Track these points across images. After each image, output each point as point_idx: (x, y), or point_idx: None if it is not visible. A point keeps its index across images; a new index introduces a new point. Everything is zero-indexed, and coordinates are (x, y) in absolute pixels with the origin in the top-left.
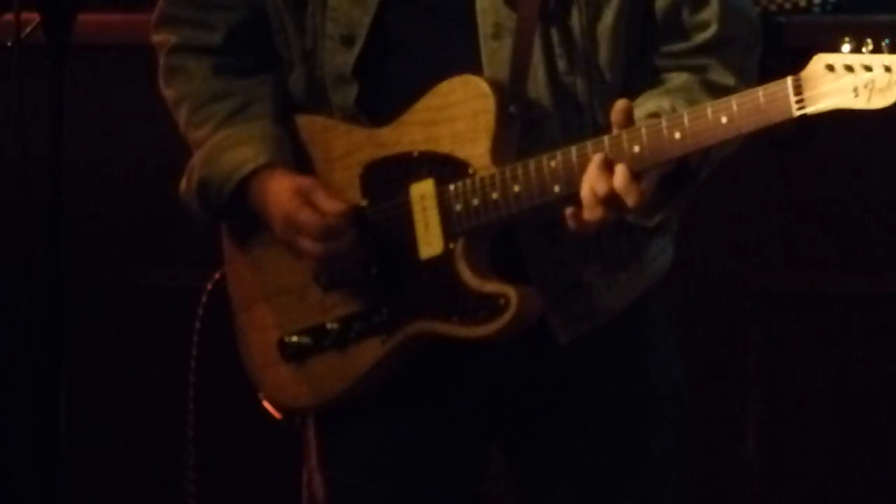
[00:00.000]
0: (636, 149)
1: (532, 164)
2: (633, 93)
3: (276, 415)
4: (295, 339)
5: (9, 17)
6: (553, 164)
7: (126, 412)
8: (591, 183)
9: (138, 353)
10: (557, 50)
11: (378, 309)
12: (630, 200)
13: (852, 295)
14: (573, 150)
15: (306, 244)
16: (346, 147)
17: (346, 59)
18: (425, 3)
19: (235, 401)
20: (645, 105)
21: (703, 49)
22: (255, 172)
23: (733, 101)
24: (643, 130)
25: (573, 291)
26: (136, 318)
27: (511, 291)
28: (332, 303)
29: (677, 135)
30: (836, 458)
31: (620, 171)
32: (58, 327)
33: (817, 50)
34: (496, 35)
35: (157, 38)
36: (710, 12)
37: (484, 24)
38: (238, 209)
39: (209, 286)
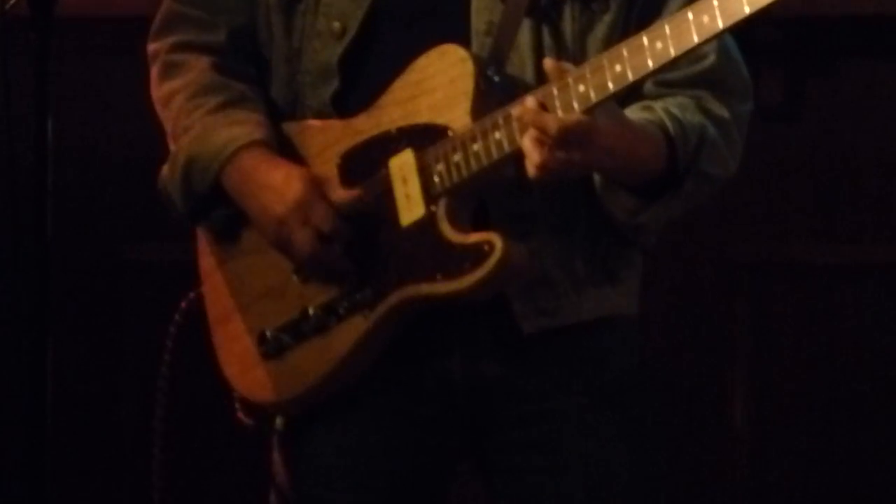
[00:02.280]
0: (581, 88)
1: (511, 108)
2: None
3: (248, 422)
4: (275, 334)
5: None
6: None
7: (114, 388)
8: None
9: (127, 326)
10: (547, 52)
11: (360, 286)
12: (553, 128)
13: (839, 266)
14: (553, 85)
15: (306, 237)
16: (322, 142)
17: (334, 51)
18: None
19: (211, 412)
20: (636, 112)
21: (700, 81)
22: (247, 148)
23: (665, 25)
24: (587, 69)
25: (542, 286)
26: (124, 292)
27: (495, 237)
28: (312, 292)
29: (618, 67)
30: (823, 426)
31: (531, 101)
32: (45, 303)
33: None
34: (488, 32)
35: (154, 45)
36: (709, 45)
37: (477, 21)
38: (217, 201)
39: (184, 304)
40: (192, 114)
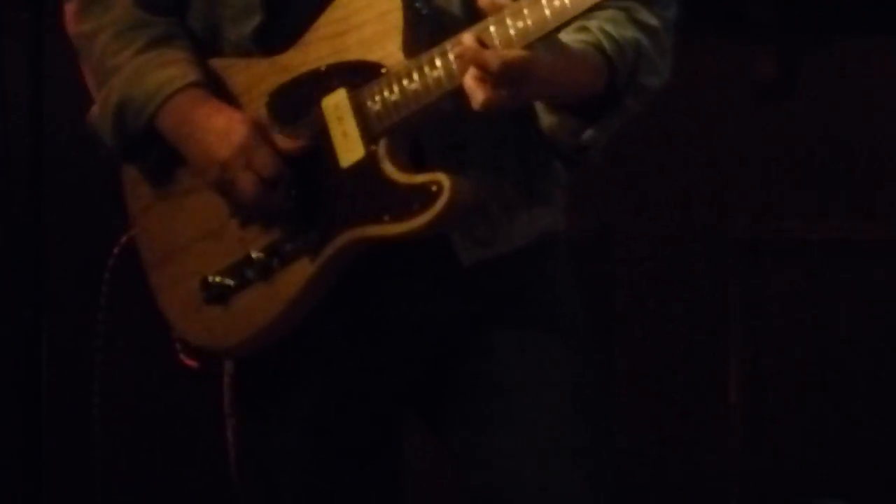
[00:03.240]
0: (520, 24)
1: (447, 45)
2: None
3: (192, 364)
4: (218, 279)
5: None
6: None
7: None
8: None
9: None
10: None
11: (303, 229)
12: (493, 64)
13: (832, 242)
14: (489, 21)
15: (249, 182)
16: (248, 81)
17: None
18: None
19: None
20: (571, 35)
21: None
22: (181, 91)
23: None
24: (523, 3)
25: (475, 216)
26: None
27: (443, 177)
28: (253, 235)
29: (556, 1)
30: (817, 403)
31: (469, 38)
32: (40, 281)
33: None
34: None
35: None
36: None
37: None
38: (150, 141)
39: (115, 251)
40: (119, 53)
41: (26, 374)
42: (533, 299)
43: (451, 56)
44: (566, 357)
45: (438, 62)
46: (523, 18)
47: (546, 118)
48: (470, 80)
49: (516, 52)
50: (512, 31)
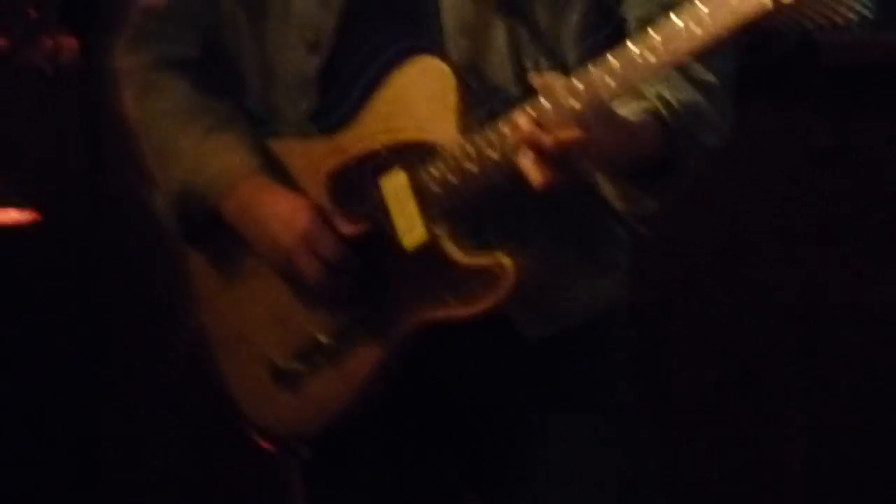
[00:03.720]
0: (574, 103)
1: (502, 123)
2: None
3: (271, 449)
4: (286, 364)
5: (46, 41)
6: (524, 118)
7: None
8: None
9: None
10: (524, 48)
11: (368, 313)
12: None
13: (889, 305)
14: (541, 98)
15: (314, 268)
16: (306, 162)
17: (310, 64)
18: (391, 2)
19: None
20: (628, 104)
21: None
22: (243, 178)
23: (697, 3)
24: (577, 81)
25: (538, 290)
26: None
27: (505, 259)
28: (319, 319)
29: (609, 80)
30: (880, 467)
31: (523, 120)
32: (104, 346)
33: (854, 69)
34: (461, 31)
35: (126, 61)
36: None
37: (448, 21)
38: (214, 226)
39: (186, 335)
40: (180, 140)
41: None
42: (592, 379)
43: (508, 136)
44: (621, 444)
45: (496, 142)
46: (577, 96)
47: (607, 187)
48: (525, 162)
49: (570, 133)
50: (566, 109)
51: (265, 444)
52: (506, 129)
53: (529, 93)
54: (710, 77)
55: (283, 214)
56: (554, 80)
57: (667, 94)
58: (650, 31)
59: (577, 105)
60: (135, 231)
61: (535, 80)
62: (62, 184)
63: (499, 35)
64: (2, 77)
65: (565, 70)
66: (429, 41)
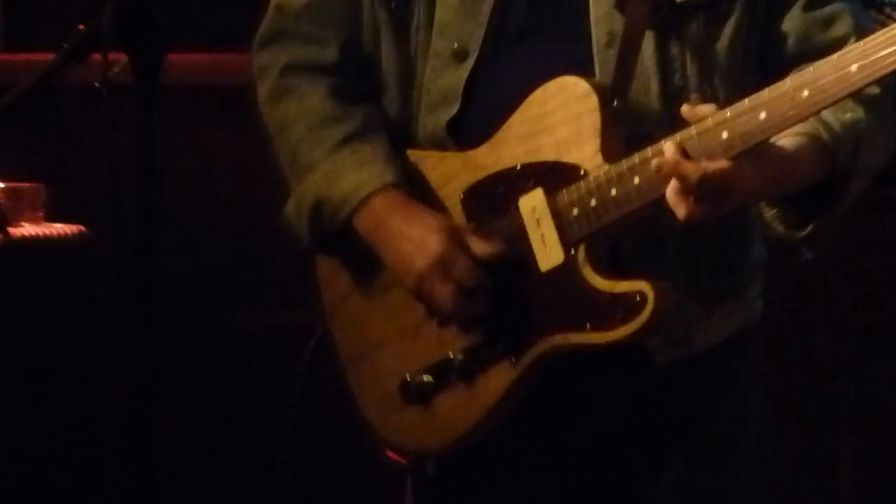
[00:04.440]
0: (724, 134)
1: (650, 151)
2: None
3: (401, 461)
4: (417, 379)
5: (96, 57)
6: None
7: (220, 458)
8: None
9: (235, 394)
10: (673, 64)
11: (502, 333)
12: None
13: None
14: (693, 127)
15: (448, 293)
16: (442, 176)
17: (458, 75)
18: (539, 13)
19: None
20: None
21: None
22: (376, 193)
23: (812, 69)
24: (729, 113)
25: (674, 316)
26: (230, 360)
27: (646, 286)
28: (451, 336)
29: (762, 115)
30: None
31: (670, 150)
32: (153, 370)
33: None
34: (610, 43)
35: (262, 58)
36: (845, 26)
37: (598, 33)
38: (346, 236)
39: (312, 340)
40: (315, 149)
41: (137, 465)
42: (715, 413)
43: (652, 164)
44: (744, 465)
45: (640, 169)
46: (729, 128)
47: (767, 211)
48: (671, 193)
49: (718, 165)
50: (717, 142)
51: (395, 457)
52: (650, 155)
53: (675, 111)
54: (874, 90)
55: (415, 237)
56: (701, 110)
57: (828, 116)
58: (810, 67)
59: (725, 135)
60: (183, 248)
61: (685, 110)
62: (111, 200)
63: (647, 48)
64: (51, 92)
65: (712, 87)
66: (577, 54)
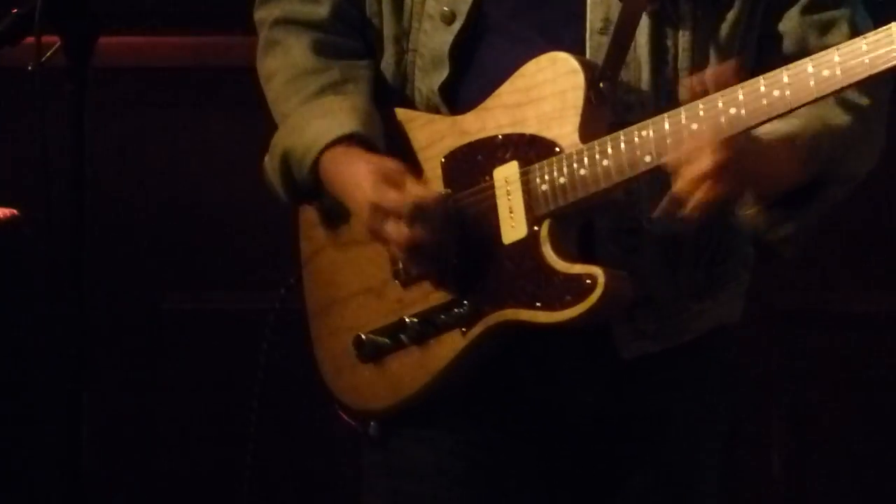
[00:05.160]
0: (732, 111)
1: (622, 136)
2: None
3: (351, 423)
4: (372, 337)
5: (30, 40)
6: (645, 133)
7: (151, 437)
8: (687, 157)
9: (165, 376)
10: (667, 55)
11: (460, 300)
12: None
13: (874, 315)
14: (665, 118)
15: (391, 228)
16: (428, 137)
17: (444, 38)
18: None
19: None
20: (775, 127)
21: None
22: (335, 144)
23: (834, 53)
24: (739, 91)
25: (644, 307)
26: (160, 342)
27: (598, 271)
28: (412, 298)
29: (776, 93)
30: (860, 473)
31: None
32: (82, 353)
33: None
34: (604, 30)
35: (260, 13)
36: (840, 35)
37: (593, 18)
38: (319, 186)
39: (283, 289)
40: (288, 100)
41: (69, 444)
42: (683, 410)
43: (622, 147)
44: (709, 468)
45: (610, 152)
46: (738, 105)
47: (746, 209)
48: (683, 185)
49: (728, 151)
50: (722, 118)
51: (348, 420)
52: (622, 139)
53: (663, 101)
54: (863, 100)
55: (351, 182)
56: (702, 82)
57: (815, 116)
58: (834, 50)
59: (733, 111)
60: (118, 229)
61: (683, 87)
62: (44, 182)
63: (642, 36)
64: None
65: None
66: (569, 36)
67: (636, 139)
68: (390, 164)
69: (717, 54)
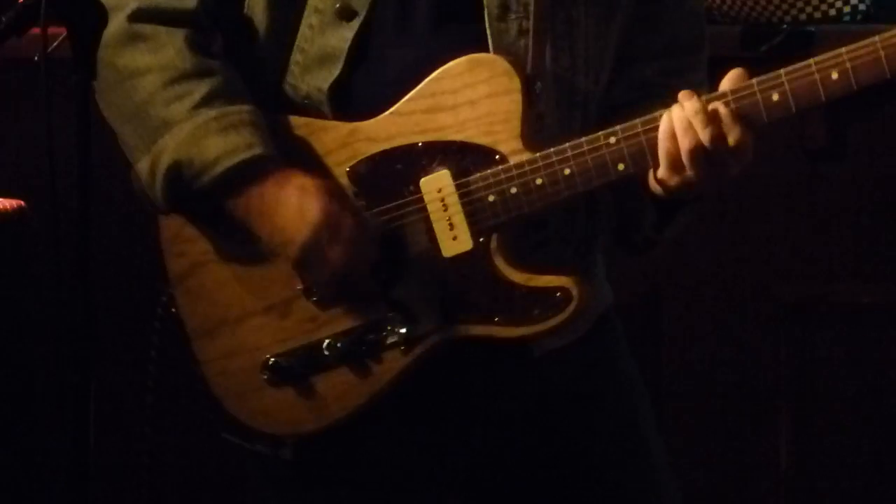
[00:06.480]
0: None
1: (585, 143)
2: (617, 104)
3: (244, 445)
4: (285, 360)
5: (35, 31)
6: (613, 140)
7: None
8: (684, 132)
9: (168, 367)
10: (561, 44)
11: (392, 318)
12: (732, 139)
13: (882, 305)
14: (638, 123)
15: (339, 253)
16: (324, 147)
17: (343, 35)
18: None
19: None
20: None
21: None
22: (245, 162)
23: (844, 55)
24: (730, 96)
25: None
26: (168, 334)
27: (569, 283)
28: (331, 317)
29: (775, 97)
30: (869, 468)
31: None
32: (88, 344)
33: None
34: (501, 17)
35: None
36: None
37: (490, 4)
38: (207, 198)
39: (159, 309)
40: (171, 105)
41: (74, 437)
42: (597, 389)
43: (587, 154)
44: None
45: (570, 158)
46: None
47: (631, 204)
48: (684, 156)
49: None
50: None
51: (234, 440)
52: (585, 148)
53: (562, 104)
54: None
55: (293, 202)
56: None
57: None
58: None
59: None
60: (124, 221)
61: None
62: (50, 173)
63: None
64: None
65: (594, 75)
66: (470, 25)
67: (604, 147)
68: (334, 182)
69: (606, 50)
